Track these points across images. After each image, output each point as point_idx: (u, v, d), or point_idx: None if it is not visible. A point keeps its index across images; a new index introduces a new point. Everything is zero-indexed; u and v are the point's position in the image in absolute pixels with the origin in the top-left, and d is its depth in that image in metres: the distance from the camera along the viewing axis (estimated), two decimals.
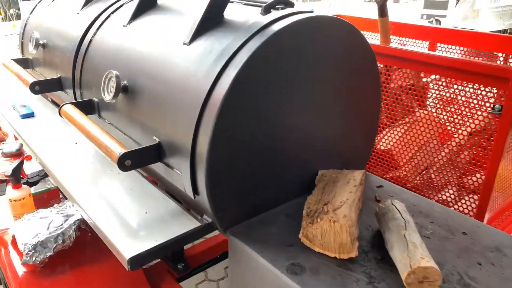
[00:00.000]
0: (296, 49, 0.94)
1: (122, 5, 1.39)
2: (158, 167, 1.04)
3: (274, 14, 0.96)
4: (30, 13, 1.91)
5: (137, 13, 1.25)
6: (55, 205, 1.41)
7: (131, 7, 1.34)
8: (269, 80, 0.91)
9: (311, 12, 0.99)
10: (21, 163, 1.51)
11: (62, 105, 1.23)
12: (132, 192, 1.12)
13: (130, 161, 0.96)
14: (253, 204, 1.00)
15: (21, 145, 2.06)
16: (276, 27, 0.90)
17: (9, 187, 1.54)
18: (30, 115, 1.57)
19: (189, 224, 0.98)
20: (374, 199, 1.11)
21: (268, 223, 0.99)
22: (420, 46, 2.11)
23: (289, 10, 0.98)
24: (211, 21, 1.01)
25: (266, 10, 1.00)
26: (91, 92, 1.31)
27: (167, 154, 1.00)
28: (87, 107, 1.29)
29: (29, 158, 1.99)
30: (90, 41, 1.35)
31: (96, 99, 1.28)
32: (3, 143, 2.21)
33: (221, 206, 0.93)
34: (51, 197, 1.62)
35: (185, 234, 0.94)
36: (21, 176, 1.54)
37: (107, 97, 1.11)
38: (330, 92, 1.06)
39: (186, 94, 0.93)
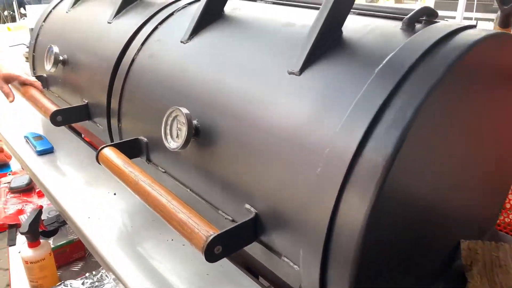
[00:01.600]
0: (482, 81, 0.65)
1: (172, 14, 1.09)
2: (249, 247, 0.74)
3: (429, 32, 0.67)
4: (44, 21, 1.61)
5: (200, 26, 0.95)
6: (87, 275, 1.11)
7: (186, 17, 1.05)
8: (444, 128, 0.62)
9: (474, 26, 0.70)
10: (39, 214, 1.21)
11: (101, 150, 0.94)
12: (208, 278, 0.82)
13: (221, 246, 0.66)
14: None
15: (31, 178, 1.76)
16: (452, 51, 0.61)
17: (21, 241, 1.24)
18: (49, 150, 1.27)
19: None
20: None
21: None
22: None
23: (445, 25, 0.69)
24: (328, 38, 0.72)
25: (410, 24, 0.70)
26: (137, 127, 1.01)
27: (268, 232, 0.70)
28: (132, 148, 0.99)
29: (41, 195, 1.69)
30: (133, 60, 1.05)
31: (145, 139, 0.98)
32: (9, 174, 1.91)
33: None
34: (74, 250, 1.33)
35: None
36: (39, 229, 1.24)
37: (173, 144, 0.81)
38: (495, 131, 0.77)
39: (306, 149, 0.63)
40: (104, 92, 1.12)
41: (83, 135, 1.62)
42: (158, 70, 0.96)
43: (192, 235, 0.67)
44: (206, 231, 0.66)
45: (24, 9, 10.68)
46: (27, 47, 2.00)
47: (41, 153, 1.25)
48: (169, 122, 0.83)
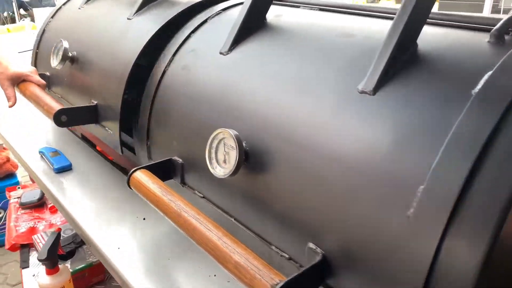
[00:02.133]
0: None
1: (205, 21, 1.00)
2: None
3: None
4: (52, 17, 1.52)
5: (241, 35, 0.87)
6: None
7: (222, 25, 0.96)
8: None
9: None
10: (58, 238, 1.12)
11: (132, 173, 0.85)
12: None
13: None
14: None
15: (43, 193, 1.67)
16: None
17: (35, 261, 1.15)
18: (67, 167, 1.18)
19: None
20: None
21: None
22: None
23: None
24: (404, 52, 0.63)
25: (500, 37, 0.62)
26: (170, 146, 0.92)
27: (338, 276, 0.61)
28: (165, 170, 0.91)
29: (54, 210, 1.60)
30: (164, 72, 0.96)
31: (180, 160, 0.89)
32: (18, 188, 1.82)
33: None
34: (94, 273, 1.24)
35: None
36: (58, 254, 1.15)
37: (220, 170, 0.72)
38: None
39: (392, 185, 0.55)
40: (119, 95, 1.02)
41: (96, 146, 1.54)
42: (195, 84, 0.87)
43: (254, 282, 0.58)
44: (270, 278, 0.57)
45: (24, 10, 10.59)
46: None
47: (59, 170, 1.16)
48: (214, 145, 0.74)
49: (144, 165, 0.87)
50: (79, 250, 1.30)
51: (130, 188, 0.86)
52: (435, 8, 0.71)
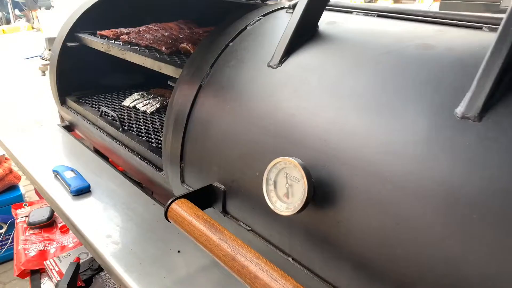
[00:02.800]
0: None
1: (244, 28, 0.90)
2: None
3: None
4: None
5: (293, 46, 0.77)
6: None
7: (264, 32, 0.87)
8: None
9: None
10: (77, 269, 1.02)
11: (170, 204, 0.74)
12: None
13: None
14: None
15: (53, 211, 1.56)
16: None
17: None
18: (86, 189, 1.08)
19: None
20: None
21: None
22: None
23: None
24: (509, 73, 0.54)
25: None
26: (209, 171, 0.82)
27: None
28: (204, 197, 0.81)
29: (65, 230, 1.49)
30: (200, 86, 0.86)
31: (222, 187, 0.79)
32: (25, 205, 1.71)
33: None
34: None
35: None
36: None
37: (282, 206, 0.62)
38: None
39: None
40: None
41: (109, 159, 1.44)
42: (240, 102, 0.77)
43: None
44: None
45: (19, 11, 10.41)
46: (42, 59, 1.80)
47: (77, 193, 1.06)
48: (272, 176, 0.64)
49: (183, 194, 0.77)
50: (97, 278, 1.19)
51: (168, 221, 0.75)
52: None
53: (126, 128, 1.22)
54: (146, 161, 1.07)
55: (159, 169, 1.04)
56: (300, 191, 0.60)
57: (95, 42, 1.31)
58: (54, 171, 1.15)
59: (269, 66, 0.77)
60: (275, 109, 0.71)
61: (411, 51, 0.66)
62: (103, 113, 1.29)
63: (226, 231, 0.67)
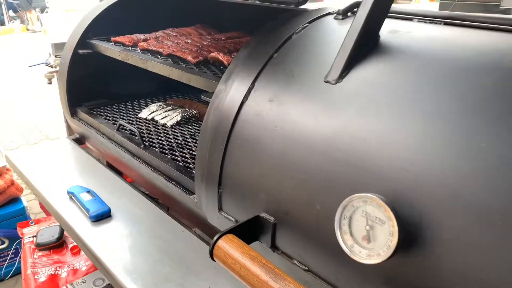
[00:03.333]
0: None
1: (289, 37, 0.81)
2: None
3: None
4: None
5: (354, 58, 0.67)
6: None
7: (315, 41, 0.78)
8: None
9: None
10: None
11: (216, 241, 0.65)
12: None
13: None
14: None
15: (62, 230, 1.46)
16: None
17: None
18: (106, 214, 0.98)
19: None
20: None
21: None
22: None
23: None
24: None
25: None
26: (255, 199, 0.73)
27: None
28: (250, 230, 0.71)
29: (77, 252, 1.39)
30: (242, 103, 0.77)
31: (271, 218, 0.69)
32: (31, 224, 1.60)
33: None
34: None
35: None
36: None
37: (362, 254, 0.53)
38: None
39: None
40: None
41: (123, 174, 1.34)
42: (294, 123, 0.68)
43: None
44: None
45: (13, 12, 10.26)
46: (47, 65, 1.70)
47: (97, 218, 0.96)
48: (347, 215, 0.55)
49: (229, 229, 0.68)
50: None
51: (214, 260, 0.66)
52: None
53: (147, 144, 1.12)
54: (173, 183, 0.98)
55: (189, 191, 0.94)
56: (385, 235, 0.51)
57: (111, 49, 1.21)
58: (69, 193, 1.05)
59: (326, 81, 0.68)
60: (340, 132, 0.62)
61: (498, 66, 0.57)
62: (120, 128, 1.19)
63: (289, 278, 0.58)
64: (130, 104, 1.46)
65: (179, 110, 1.31)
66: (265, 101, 0.74)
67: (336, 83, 0.67)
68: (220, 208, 0.81)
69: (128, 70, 1.27)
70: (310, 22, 0.83)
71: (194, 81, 0.93)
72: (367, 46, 0.69)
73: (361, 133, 0.60)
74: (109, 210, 0.99)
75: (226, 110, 0.79)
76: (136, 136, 1.15)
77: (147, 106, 1.44)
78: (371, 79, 0.65)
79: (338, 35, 0.76)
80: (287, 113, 0.70)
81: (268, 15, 0.91)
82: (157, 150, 1.09)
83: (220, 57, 0.97)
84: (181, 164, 1.03)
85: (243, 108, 0.77)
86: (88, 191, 1.05)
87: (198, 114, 1.31)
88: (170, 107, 1.34)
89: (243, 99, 0.77)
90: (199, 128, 1.25)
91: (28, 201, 2.25)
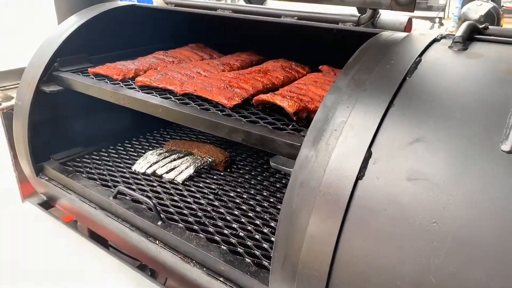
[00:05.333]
0: None
1: (404, 79, 0.58)
2: None
3: None
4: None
5: None
6: None
7: (449, 83, 0.56)
8: None
9: None
10: None
11: None
12: None
13: None
14: None
15: None
16: None
17: None
18: None
19: None
20: None
21: None
22: None
23: None
24: None
25: None
26: None
27: None
28: None
29: None
30: (357, 179, 0.53)
31: None
32: None
33: None
34: None
35: None
36: None
37: None
38: None
39: None
40: None
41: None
42: (461, 214, 0.45)
43: None
44: None
45: None
46: None
47: None
48: None
49: None
50: None
51: None
52: None
53: (164, 219, 0.82)
54: (221, 279, 0.70)
55: None
56: None
57: (97, 88, 0.90)
58: None
59: (504, 151, 0.47)
60: None
61: None
62: (118, 195, 0.89)
63: None
64: (113, 151, 1.14)
65: (189, 158, 1.02)
66: (402, 179, 0.50)
67: None
68: None
69: (103, 102, 0.95)
70: (420, 55, 0.61)
71: (268, 144, 0.66)
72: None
73: None
74: None
75: (327, 191, 0.54)
76: (142, 203, 0.86)
77: (135, 151, 1.13)
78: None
79: (476, 77, 0.55)
80: (447, 200, 0.47)
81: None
82: (181, 226, 0.81)
83: (278, 102, 0.71)
84: (223, 248, 0.75)
85: (359, 188, 0.53)
86: None
87: (214, 162, 1.03)
88: (173, 155, 1.05)
89: (358, 174, 0.53)
90: (219, 182, 0.97)
91: None
